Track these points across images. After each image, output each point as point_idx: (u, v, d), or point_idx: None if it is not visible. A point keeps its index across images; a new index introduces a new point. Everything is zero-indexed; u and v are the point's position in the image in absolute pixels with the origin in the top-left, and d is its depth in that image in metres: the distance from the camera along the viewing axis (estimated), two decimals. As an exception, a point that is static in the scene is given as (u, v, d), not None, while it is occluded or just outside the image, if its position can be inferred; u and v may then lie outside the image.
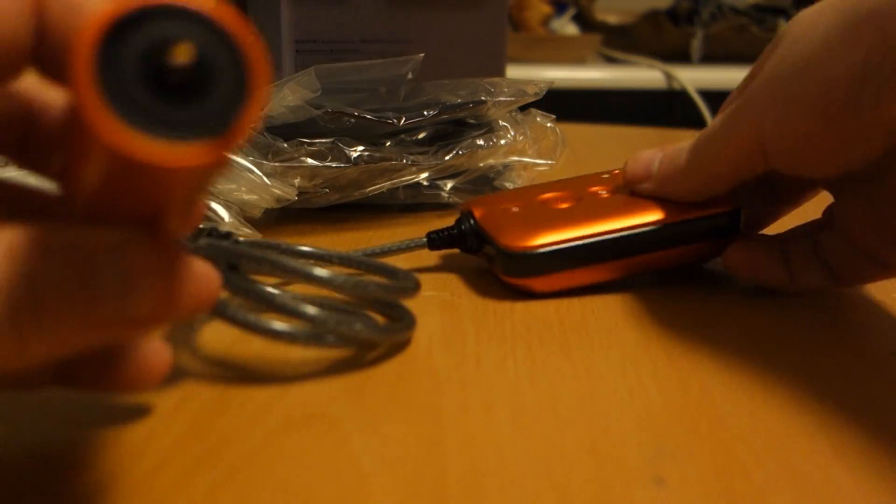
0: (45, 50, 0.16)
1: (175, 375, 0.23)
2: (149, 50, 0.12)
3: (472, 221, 0.32)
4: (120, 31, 0.12)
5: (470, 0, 0.55)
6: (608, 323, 0.28)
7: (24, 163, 0.18)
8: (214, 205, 0.33)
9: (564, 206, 0.32)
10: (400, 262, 0.35)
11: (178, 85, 0.13)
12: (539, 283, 0.30)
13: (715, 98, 1.14)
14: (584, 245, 0.30)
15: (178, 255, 0.15)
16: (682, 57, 1.22)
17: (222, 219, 0.33)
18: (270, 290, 0.23)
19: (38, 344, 0.14)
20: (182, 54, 0.13)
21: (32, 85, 0.18)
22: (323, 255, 0.29)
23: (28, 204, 0.19)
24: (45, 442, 0.20)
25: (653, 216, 0.31)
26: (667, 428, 0.21)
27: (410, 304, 0.30)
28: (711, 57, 1.21)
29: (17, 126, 0.18)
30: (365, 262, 0.29)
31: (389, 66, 0.42)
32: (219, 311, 0.23)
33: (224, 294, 0.23)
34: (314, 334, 0.23)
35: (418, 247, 0.33)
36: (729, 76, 1.15)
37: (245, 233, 0.34)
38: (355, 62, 0.41)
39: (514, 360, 0.25)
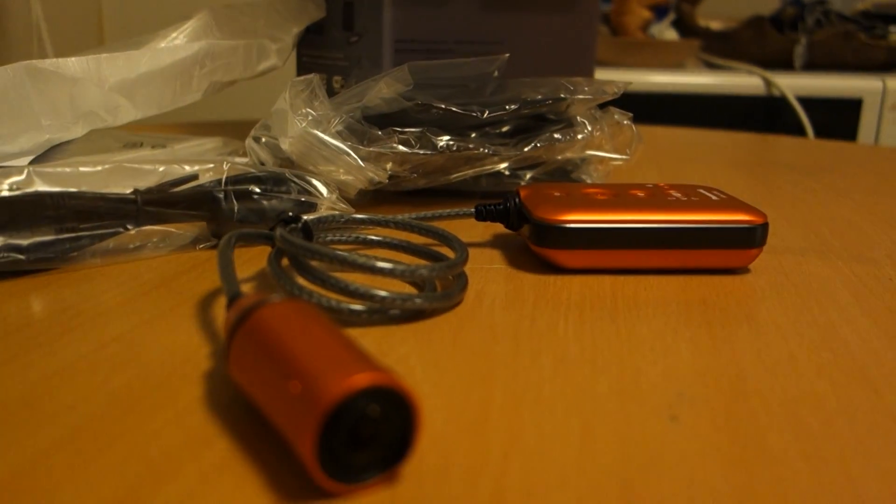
0: None
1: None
2: (351, 419, 0.18)
3: (517, 200, 0.36)
4: (337, 410, 0.18)
5: (561, 3, 0.58)
6: (658, 298, 0.31)
7: None
8: (315, 182, 0.38)
9: (602, 198, 0.36)
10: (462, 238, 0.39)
11: (365, 438, 0.18)
12: (564, 257, 0.34)
13: (816, 105, 1.12)
14: (608, 229, 0.33)
15: None
16: (786, 64, 1.21)
17: (322, 194, 0.37)
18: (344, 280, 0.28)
19: None
20: (373, 411, 0.18)
21: None
22: (380, 221, 0.34)
23: None
24: None
25: (679, 216, 0.34)
26: (692, 381, 0.24)
27: (480, 275, 0.34)
28: (815, 64, 1.19)
29: None
30: (418, 226, 0.34)
31: (477, 65, 0.46)
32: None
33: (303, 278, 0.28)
34: (380, 310, 0.28)
35: (466, 215, 0.37)
36: (829, 83, 1.14)
37: (341, 208, 0.38)
38: (446, 60, 0.45)
39: (566, 322, 0.29)
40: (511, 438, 0.21)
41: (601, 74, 1.15)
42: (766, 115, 1.15)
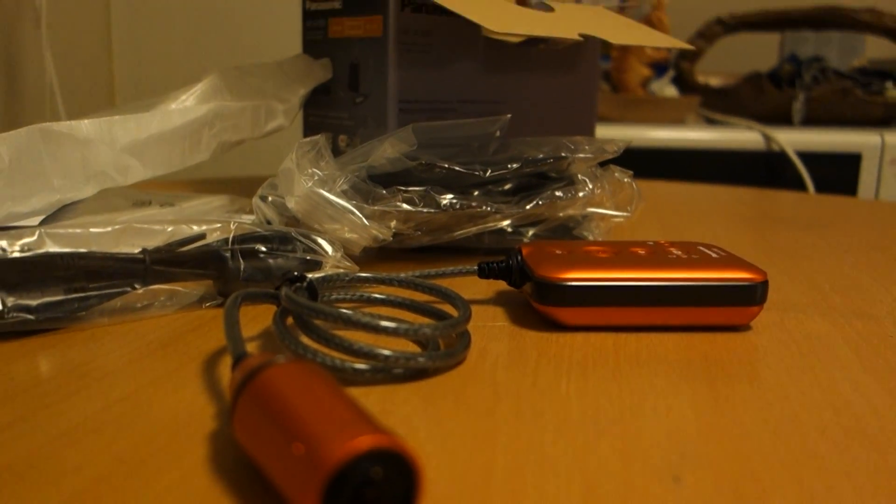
0: None
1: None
2: (354, 482, 0.18)
3: (519, 258, 0.37)
4: (340, 473, 0.18)
5: (563, 64, 0.60)
6: (660, 355, 0.32)
7: None
8: (320, 240, 0.38)
9: (603, 255, 0.36)
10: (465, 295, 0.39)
11: (367, 501, 0.18)
12: (566, 314, 0.34)
13: (815, 160, 1.13)
14: (610, 287, 0.34)
15: None
16: (785, 119, 1.23)
17: (326, 252, 0.38)
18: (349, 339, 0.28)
19: None
20: (376, 474, 0.18)
21: None
22: (383, 279, 0.34)
23: None
24: None
25: (679, 273, 0.34)
26: (694, 440, 0.24)
27: (483, 333, 0.34)
28: (813, 120, 1.21)
29: None
30: (421, 284, 0.34)
31: (480, 125, 0.47)
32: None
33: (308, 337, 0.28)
34: (384, 369, 0.28)
35: (469, 273, 0.37)
36: (828, 139, 1.15)
37: (346, 265, 0.39)
38: (449, 121, 0.46)
39: (568, 380, 0.29)
40: (513, 500, 0.21)
41: (603, 130, 1.16)
42: (767, 170, 1.16)
